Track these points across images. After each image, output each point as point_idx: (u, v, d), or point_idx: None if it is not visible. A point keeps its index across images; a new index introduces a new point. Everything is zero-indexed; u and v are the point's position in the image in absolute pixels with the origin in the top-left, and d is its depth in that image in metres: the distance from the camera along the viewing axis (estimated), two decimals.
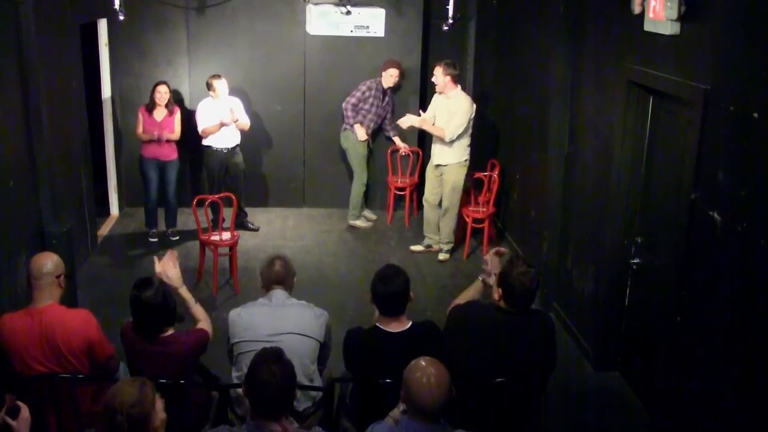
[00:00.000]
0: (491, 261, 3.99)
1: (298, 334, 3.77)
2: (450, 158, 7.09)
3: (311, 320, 3.86)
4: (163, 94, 7.29)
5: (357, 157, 8.09)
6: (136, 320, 3.66)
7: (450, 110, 6.98)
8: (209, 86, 7.46)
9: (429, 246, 7.53)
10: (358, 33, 8.25)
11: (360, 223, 8.30)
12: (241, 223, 7.84)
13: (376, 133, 8.35)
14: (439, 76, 6.97)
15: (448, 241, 7.42)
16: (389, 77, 7.87)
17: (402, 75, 8.02)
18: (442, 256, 7.41)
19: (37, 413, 3.56)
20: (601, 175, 5.35)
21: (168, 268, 3.99)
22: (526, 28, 7.18)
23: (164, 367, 3.58)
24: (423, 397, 2.85)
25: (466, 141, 7.08)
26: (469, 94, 8.97)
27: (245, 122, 7.66)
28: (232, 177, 7.76)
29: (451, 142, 6.98)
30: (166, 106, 7.36)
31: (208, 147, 7.59)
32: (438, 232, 7.45)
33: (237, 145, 7.69)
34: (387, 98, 8.04)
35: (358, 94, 7.90)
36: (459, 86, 7.10)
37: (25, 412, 2.99)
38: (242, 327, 3.81)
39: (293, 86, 8.43)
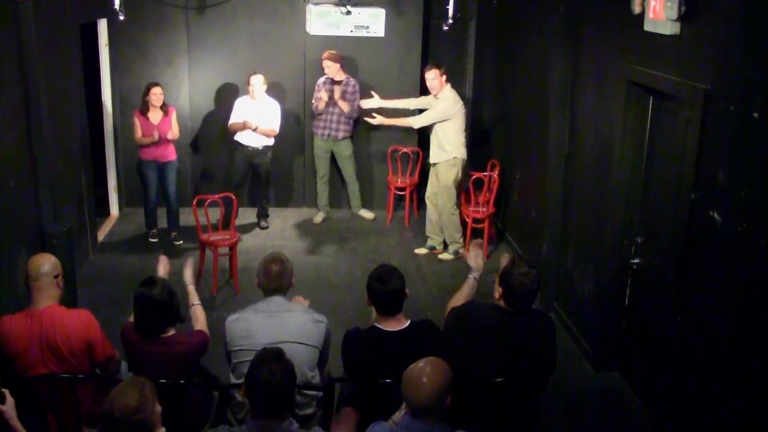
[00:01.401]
0: (473, 253, 4.18)
1: (296, 342, 3.72)
2: (440, 156, 7.15)
3: (310, 327, 3.82)
4: (158, 95, 7.26)
5: (314, 154, 8.29)
6: (139, 318, 3.66)
7: (434, 105, 7.14)
8: (248, 82, 7.64)
9: (433, 248, 7.52)
10: (358, 33, 8.25)
11: (316, 218, 8.37)
12: (257, 221, 8.18)
13: (377, 136, 8.33)
14: (436, 79, 6.98)
15: (453, 242, 7.40)
16: (325, 68, 7.85)
17: (338, 61, 7.80)
18: (442, 255, 7.42)
19: (37, 414, 3.57)
20: (601, 176, 5.35)
21: (166, 270, 4.14)
22: (526, 29, 7.18)
23: (165, 367, 3.57)
24: (413, 393, 2.86)
25: (457, 139, 7.10)
26: (469, 94, 9.02)
27: (270, 128, 7.74)
28: (257, 176, 7.98)
29: (444, 140, 7.07)
30: (161, 107, 7.33)
31: (238, 142, 7.81)
32: (441, 233, 7.46)
33: (267, 146, 7.85)
34: (343, 87, 7.87)
35: (315, 94, 8.02)
36: (449, 85, 7.14)
37: (9, 396, 2.99)
38: (239, 335, 3.77)
39: (293, 86, 8.43)
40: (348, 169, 8.30)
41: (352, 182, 8.39)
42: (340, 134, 8.07)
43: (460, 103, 7.13)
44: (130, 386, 2.75)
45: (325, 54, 7.85)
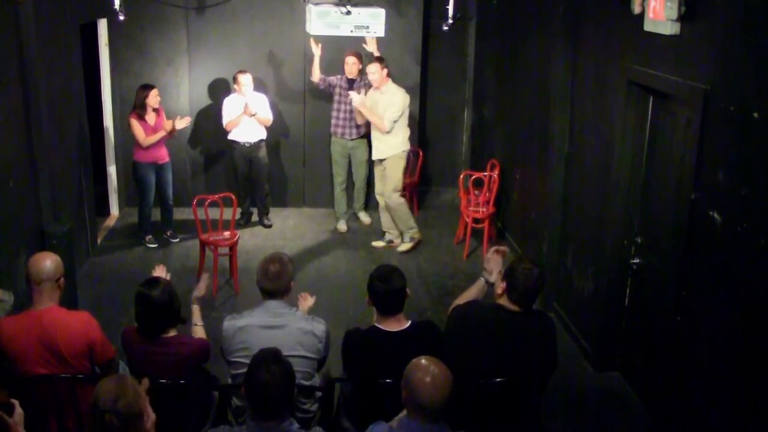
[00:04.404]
0: (492, 259, 4.03)
1: (295, 356, 3.67)
2: (389, 151, 7.25)
3: (308, 338, 3.78)
4: (157, 97, 7.24)
5: (333, 159, 8.16)
6: (140, 318, 3.65)
7: (385, 103, 7.14)
8: (234, 80, 7.65)
9: (391, 241, 7.63)
10: (358, 33, 8.23)
11: (339, 226, 8.20)
12: (259, 220, 8.20)
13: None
14: (378, 72, 7.08)
15: (408, 228, 7.46)
16: (348, 66, 7.74)
17: (361, 61, 7.75)
18: (401, 248, 7.50)
19: (37, 415, 3.57)
20: (601, 175, 5.35)
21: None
22: (526, 28, 7.18)
23: (165, 368, 3.57)
24: (426, 397, 2.83)
25: (404, 132, 7.25)
26: (469, 94, 9.02)
27: (266, 117, 7.77)
28: (256, 172, 7.96)
29: (388, 133, 7.14)
30: (154, 109, 7.31)
31: (233, 141, 7.82)
32: (396, 226, 7.53)
33: (261, 140, 7.87)
34: (356, 88, 7.78)
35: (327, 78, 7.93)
36: (390, 80, 7.23)
37: (18, 408, 2.98)
38: (237, 346, 3.74)
39: (293, 86, 8.43)
40: (360, 174, 8.21)
41: (361, 185, 8.33)
42: (354, 132, 7.96)
43: (408, 96, 7.28)
44: (107, 381, 2.73)
45: (350, 51, 7.73)
